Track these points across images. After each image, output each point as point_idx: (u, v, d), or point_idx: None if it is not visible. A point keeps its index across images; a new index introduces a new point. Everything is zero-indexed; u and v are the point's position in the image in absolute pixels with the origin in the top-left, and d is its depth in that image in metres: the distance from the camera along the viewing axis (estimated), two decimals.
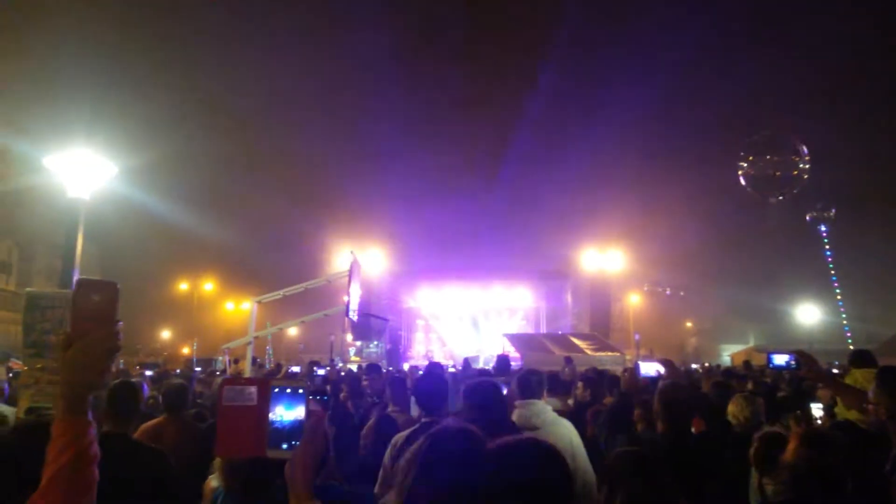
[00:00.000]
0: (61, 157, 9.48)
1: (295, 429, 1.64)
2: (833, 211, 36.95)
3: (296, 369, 14.62)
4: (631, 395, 5.06)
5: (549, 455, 1.82)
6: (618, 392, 5.81)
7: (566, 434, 4.02)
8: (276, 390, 1.66)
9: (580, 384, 7.16)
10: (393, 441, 3.99)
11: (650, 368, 5.03)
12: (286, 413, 1.65)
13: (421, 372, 14.55)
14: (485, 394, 3.73)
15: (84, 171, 9.47)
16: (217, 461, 2.75)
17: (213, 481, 2.85)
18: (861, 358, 6.06)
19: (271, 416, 1.64)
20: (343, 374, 13.49)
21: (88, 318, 1.61)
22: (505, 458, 1.75)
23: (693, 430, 4.15)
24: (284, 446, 1.64)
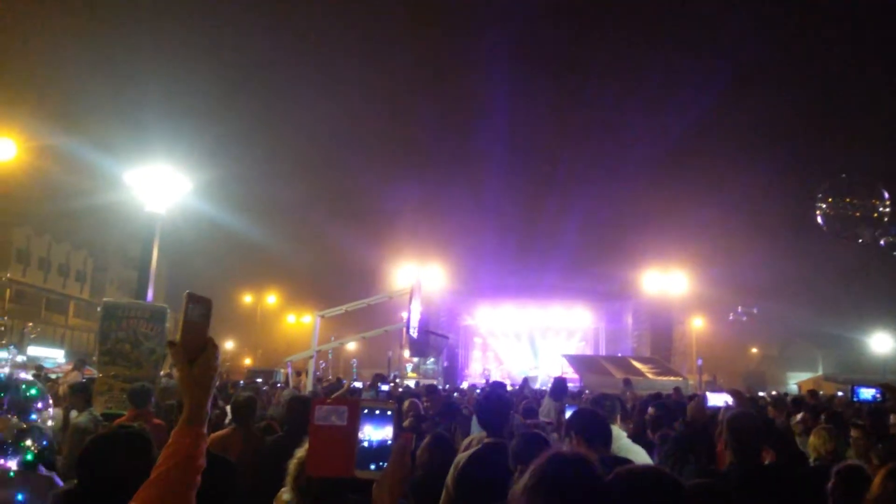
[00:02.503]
0: (141, 172, 9.90)
1: (383, 450, 1.68)
2: None
3: (358, 384, 14.77)
4: (697, 424, 4.94)
5: (674, 486, 1.82)
6: (683, 421, 5.68)
7: (643, 461, 3.95)
8: (366, 411, 1.69)
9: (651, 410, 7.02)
10: (455, 461, 3.98)
11: (718, 399, 4.90)
12: (375, 433, 1.68)
13: (479, 391, 14.52)
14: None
15: (161, 186, 9.87)
16: (290, 479, 2.80)
17: (285, 495, 2.91)
18: None
19: (360, 436, 1.68)
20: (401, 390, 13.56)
21: (192, 331, 1.74)
22: (630, 487, 1.76)
23: (764, 461, 4.02)
24: (372, 467, 1.67)
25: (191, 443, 1.71)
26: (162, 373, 10.20)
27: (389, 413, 1.69)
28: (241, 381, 20.11)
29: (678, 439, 4.55)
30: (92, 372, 12.20)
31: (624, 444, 3.70)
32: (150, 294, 9.80)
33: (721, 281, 42.90)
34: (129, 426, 3.31)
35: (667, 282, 38.45)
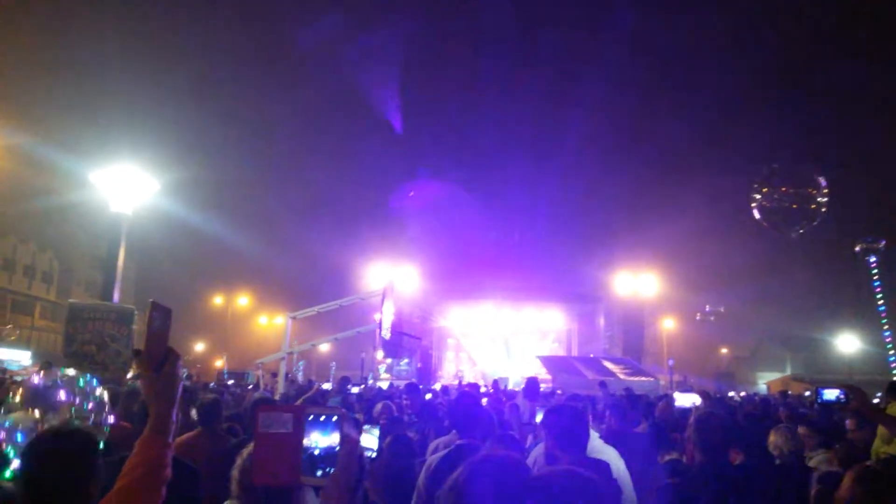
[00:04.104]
0: (107, 172, 9.73)
1: (330, 456, 1.64)
2: (883, 242, 36.30)
3: (327, 386, 14.67)
4: (665, 424, 4.97)
5: (591, 486, 1.80)
6: (652, 421, 5.71)
7: (614, 461, 3.93)
8: (312, 417, 1.66)
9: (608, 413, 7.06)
10: (427, 463, 3.94)
11: (686, 400, 4.93)
12: (321, 440, 1.65)
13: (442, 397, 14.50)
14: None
15: (128, 186, 9.70)
16: (234, 484, 2.74)
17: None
18: (893, 388, 5.93)
19: (306, 442, 1.64)
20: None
21: (155, 340, 1.73)
22: (549, 489, 1.73)
23: (731, 460, 4.04)
24: (319, 473, 1.64)
25: (157, 454, 1.70)
26: (129, 375, 10.03)
27: (335, 419, 1.67)
28: (212, 384, 19.92)
29: (648, 439, 4.56)
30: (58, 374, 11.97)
31: (596, 444, 3.68)
32: (116, 295, 9.63)
33: (691, 283, 43.45)
34: (71, 425, 3.22)
35: (638, 284, 38.85)
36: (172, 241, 43.35)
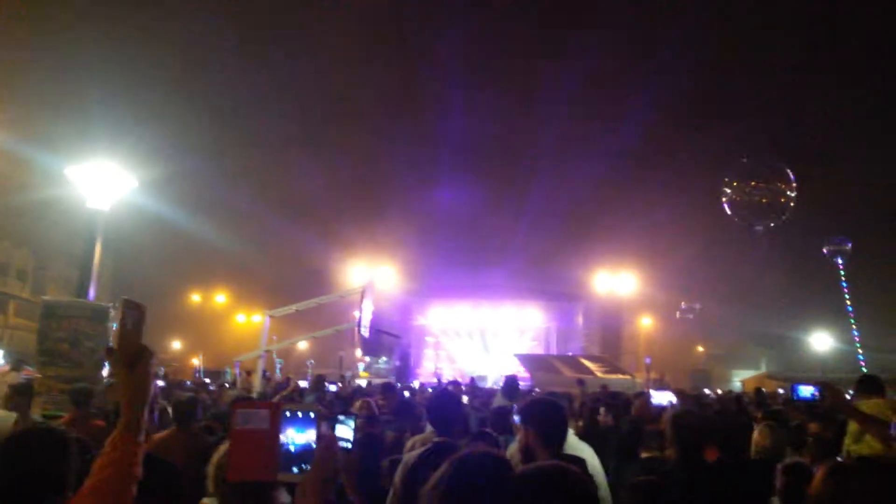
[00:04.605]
0: (83, 168, 9.61)
1: (306, 453, 1.65)
2: (849, 245, 36.98)
3: (304, 384, 14.61)
4: (641, 422, 5.01)
5: (578, 482, 1.81)
6: (628, 419, 5.76)
7: (589, 458, 3.95)
8: (288, 414, 1.66)
9: (602, 409, 7.09)
10: (404, 461, 3.94)
11: (663, 398, 4.99)
12: (297, 437, 1.65)
13: (430, 389, 14.52)
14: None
15: (104, 182, 9.60)
16: (210, 481, 2.73)
17: (211, 502, 2.83)
18: (869, 384, 5.97)
19: (283, 439, 1.64)
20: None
21: (129, 337, 1.71)
22: (533, 485, 1.74)
23: (707, 458, 4.10)
24: (295, 470, 1.64)
25: (127, 453, 1.68)
26: (105, 373, 9.93)
27: (312, 416, 1.67)
28: (189, 382, 19.75)
29: (622, 437, 4.61)
30: (31, 372, 11.82)
31: (571, 441, 3.70)
32: (91, 293, 9.53)
33: (669, 282, 43.78)
34: (44, 424, 3.20)
35: (616, 282, 39.13)
36: (149, 239, 42.88)
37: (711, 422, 4.47)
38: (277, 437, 1.64)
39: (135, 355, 1.72)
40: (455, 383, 11.27)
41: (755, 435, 5.21)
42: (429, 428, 5.80)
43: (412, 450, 5.53)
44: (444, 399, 4.47)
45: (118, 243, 37.54)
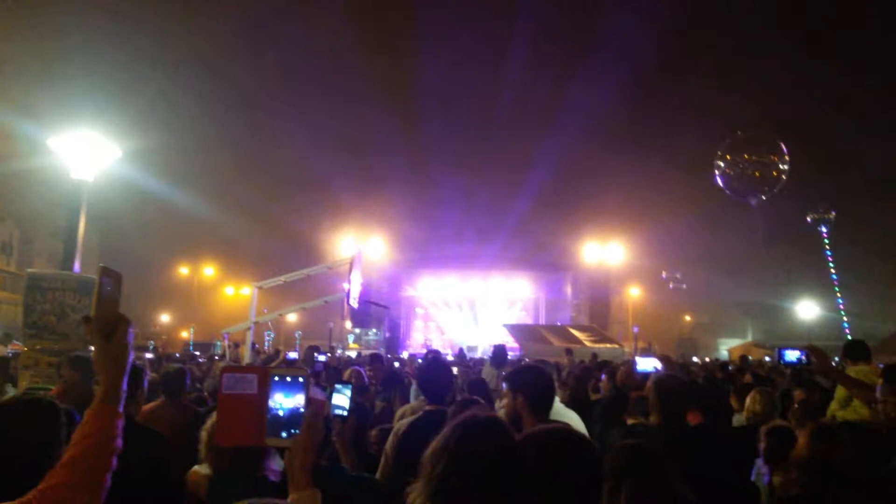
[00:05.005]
0: (66, 138, 9.46)
1: (294, 417, 1.63)
2: (833, 213, 37.24)
3: (293, 355, 14.62)
4: (626, 389, 5.05)
5: (583, 443, 1.83)
6: (613, 386, 5.80)
7: (575, 424, 3.97)
8: (277, 378, 1.64)
9: (604, 377, 7.11)
10: (395, 429, 3.96)
11: (647, 364, 5.01)
12: (286, 401, 1.63)
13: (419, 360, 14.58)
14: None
15: (88, 152, 9.45)
16: (203, 448, 2.72)
17: (203, 469, 2.83)
18: (855, 349, 6.01)
19: (271, 404, 1.63)
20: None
21: (106, 307, 1.68)
22: (541, 445, 1.75)
23: (690, 422, 4.13)
24: (284, 435, 1.62)
25: (106, 423, 1.65)
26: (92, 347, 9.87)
27: (301, 380, 1.65)
28: (177, 354, 19.78)
29: (606, 403, 4.64)
30: (19, 346, 11.76)
31: (557, 407, 3.73)
32: (77, 265, 9.44)
33: (657, 253, 43.98)
34: (31, 395, 3.18)
35: (605, 253, 39.29)
36: (137, 210, 42.58)
37: (694, 387, 4.50)
38: (265, 402, 1.62)
39: (112, 324, 1.69)
40: (435, 352, 11.32)
41: (747, 401, 5.27)
42: (418, 397, 5.83)
43: (402, 419, 5.57)
44: (436, 368, 4.48)
45: (105, 216, 37.21)
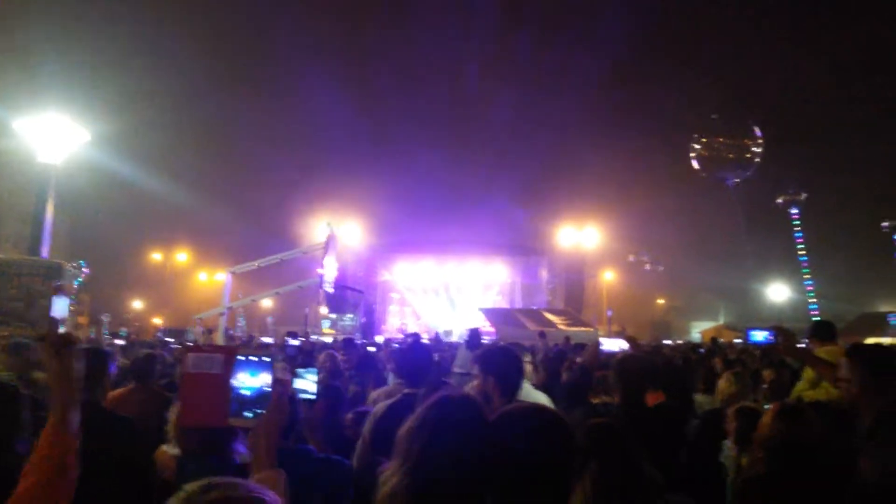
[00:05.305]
0: (33, 121, 9.27)
1: (259, 398, 1.63)
2: (804, 195, 37.84)
3: (268, 340, 14.55)
4: (590, 369, 5.11)
5: (556, 420, 1.84)
6: (578, 366, 5.87)
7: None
8: (242, 359, 1.63)
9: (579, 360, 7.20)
10: (374, 412, 3.96)
11: (613, 345, 5.07)
12: (251, 381, 1.63)
13: (397, 345, 14.59)
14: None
15: (56, 136, 9.27)
16: (171, 428, 2.71)
17: (171, 450, 2.82)
18: (823, 329, 6.07)
19: (235, 384, 1.62)
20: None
21: (56, 324, 1.67)
22: (516, 422, 1.77)
23: (650, 403, 4.18)
24: (248, 415, 1.62)
25: (62, 450, 1.61)
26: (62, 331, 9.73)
27: (267, 360, 1.65)
28: (149, 340, 19.58)
29: (570, 383, 4.68)
30: None
31: (526, 388, 3.76)
32: (45, 251, 9.29)
33: (631, 237, 44.40)
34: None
35: (580, 237, 39.54)
36: (109, 195, 41.98)
37: (654, 367, 4.56)
38: (229, 382, 1.62)
39: (61, 342, 1.66)
40: (415, 336, 11.33)
41: (721, 383, 5.34)
42: (392, 381, 5.83)
43: (375, 402, 5.57)
44: (417, 352, 4.48)
45: (75, 200, 36.62)
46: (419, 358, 4.37)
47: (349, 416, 4.87)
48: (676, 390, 4.50)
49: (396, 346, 12.10)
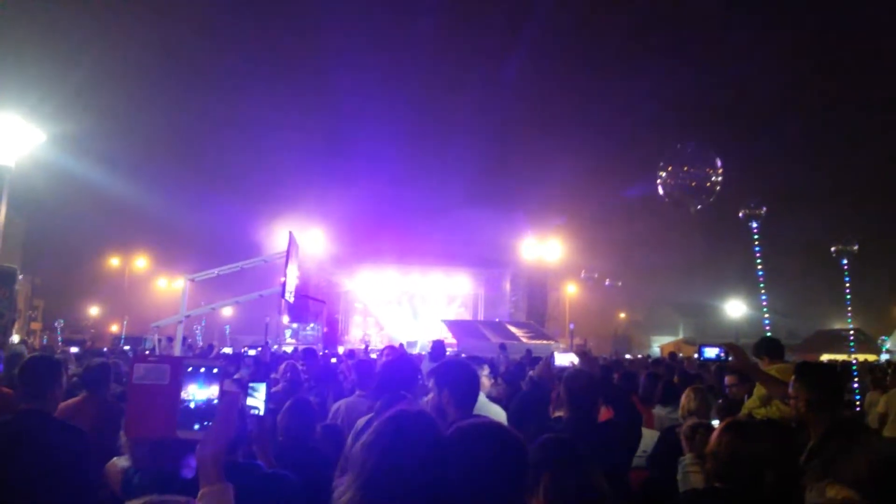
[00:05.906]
0: None
1: (207, 409, 1.60)
2: (764, 209, 38.61)
3: (228, 350, 14.34)
4: (542, 384, 5.11)
5: (511, 436, 1.85)
6: (529, 381, 5.88)
7: (498, 419, 4.00)
8: (191, 369, 1.60)
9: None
10: (357, 425, 3.91)
11: (564, 359, 5.08)
12: (199, 393, 1.60)
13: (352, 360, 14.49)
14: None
15: (9, 136, 9.08)
16: (123, 439, 2.66)
17: (121, 462, 2.77)
18: (772, 347, 6.13)
19: (184, 395, 1.59)
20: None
21: None
22: (471, 438, 1.77)
23: (599, 418, 4.20)
24: (196, 427, 1.59)
25: None
26: (16, 339, 9.50)
27: (216, 371, 1.62)
28: (105, 349, 19.17)
29: (522, 398, 4.68)
30: None
31: (482, 402, 3.77)
32: None
33: (594, 251, 44.81)
34: None
35: (543, 250, 39.79)
36: (65, 198, 41.03)
37: (604, 383, 4.60)
38: (178, 393, 1.59)
39: None
40: (394, 349, 11.28)
41: (682, 399, 5.38)
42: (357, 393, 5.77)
43: (335, 413, 5.51)
44: (402, 364, 4.41)
45: (30, 203, 35.77)
46: (405, 371, 4.27)
47: (318, 429, 4.82)
48: (628, 405, 4.52)
49: (376, 357, 12.00)
